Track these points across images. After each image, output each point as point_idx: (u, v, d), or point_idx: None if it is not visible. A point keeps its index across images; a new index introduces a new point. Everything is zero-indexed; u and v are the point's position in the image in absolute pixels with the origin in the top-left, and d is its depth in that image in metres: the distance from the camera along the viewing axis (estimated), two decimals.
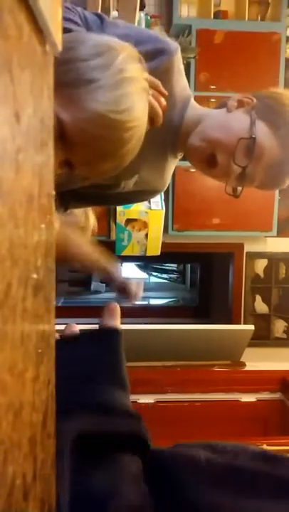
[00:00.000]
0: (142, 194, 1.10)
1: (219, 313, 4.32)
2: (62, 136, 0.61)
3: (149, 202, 2.47)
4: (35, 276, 0.29)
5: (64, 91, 0.60)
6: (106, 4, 1.94)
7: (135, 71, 0.64)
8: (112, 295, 5.71)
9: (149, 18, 3.33)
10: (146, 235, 2.56)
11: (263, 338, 3.67)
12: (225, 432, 2.46)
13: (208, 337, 2.86)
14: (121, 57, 0.62)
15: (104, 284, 5.79)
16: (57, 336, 0.52)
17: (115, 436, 0.43)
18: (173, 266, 5.96)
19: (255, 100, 0.90)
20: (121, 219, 2.56)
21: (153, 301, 5.72)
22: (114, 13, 1.98)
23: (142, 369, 2.59)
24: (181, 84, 0.92)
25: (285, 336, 3.79)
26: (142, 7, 3.05)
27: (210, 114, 0.94)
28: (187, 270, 5.87)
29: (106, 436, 0.43)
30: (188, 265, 5.80)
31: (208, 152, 0.89)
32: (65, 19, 0.75)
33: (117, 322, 0.54)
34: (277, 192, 3.37)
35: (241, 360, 3.00)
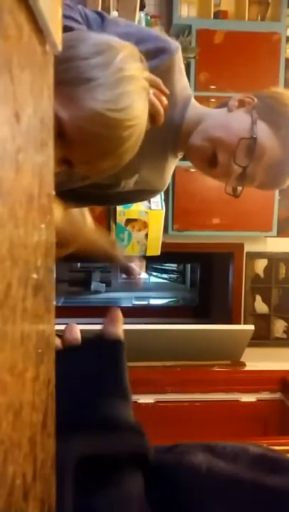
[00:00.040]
0: (142, 194, 1.10)
1: (219, 313, 4.33)
2: (61, 134, 0.61)
3: (149, 202, 2.47)
4: (35, 276, 0.29)
5: (64, 89, 0.60)
6: (106, 4, 1.94)
7: (135, 70, 0.64)
8: (111, 295, 5.72)
9: (149, 18, 3.33)
10: (146, 235, 2.56)
11: (263, 338, 3.67)
12: (225, 432, 2.46)
13: (208, 337, 2.86)
14: (121, 56, 0.63)
15: (104, 284, 5.79)
16: (58, 342, 0.51)
17: (119, 456, 0.42)
18: (173, 266, 5.96)
19: (256, 100, 0.90)
20: (121, 219, 2.56)
21: (153, 301, 5.73)
22: (114, 13, 1.98)
23: (142, 369, 2.59)
24: (182, 83, 0.92)
25: (285, 335, 3.80)
26: (142, 7, 3.05)
27: (211, 114, 0.94)
28: (187, 270, 5.88)
29: (109, 456, 0.42)
30: (188, 265, 5.80)
31: (210, 152, 0.89)
32: (66, 17, 0.75)
33: (119, 329, 0.53)
34: (277, 192, 3.37)
35: (241, 360, 3.00)
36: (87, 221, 0.95)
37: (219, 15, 3.49)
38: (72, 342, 0.53)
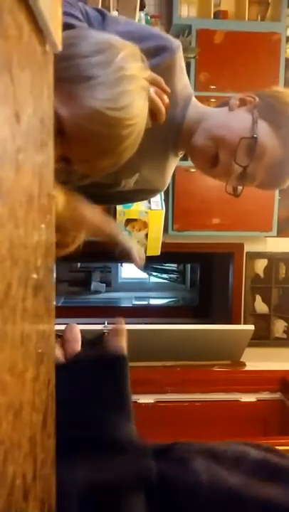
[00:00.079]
0: (143, 193, 1.10)
1: (219, 313, 4.33)
2: (61, 131, 0.61)
3: (149, 202, 2.46)
4: (35, 276, 0.29)
5: (64, 87, 0.60)
6: (106, 4, 1.94)
7: (135, 69, 0.64)
8: (111, 295, 5.72)
9: (149, 18, 3.33)
10: (146, 235, 2.56)
11: (263, 338, 3.67)
12: (225, 432, 2.46)
13: (208, 337, 2.86)
14: (122, 55, 0.63)
15: (104, 284, 5.79)
16: (58, 354, 0.50)
17: (125, 482, 0.42)
18: (173, 266, 5.96)
19: (257, 99, 0.90)
20: (121, 219, 2.55)
21: (153, 301, 5.73)
22: (114, 13, 1.98)
23: (142, 369, 2.59)
24: (183, 82, 0.92)
25: (285, 335, 3.79)
26: (142, 7, 3.05)
27: (212, 113, 0.93)
28: (187, 270, 5.88)
29: (116, 482, 0.42)
30: (188, 265, 5.80)
31: (213, 151, 0.88)
32: (66, 14, 0.75)
33: (122, 343, 0.53)
34: (277, 192, 3.37)
35: (241, 360, 3.00)
36: (88, 205, 0.95)
37: (219, 15, 3.49)
38: (72, 342, 0.53)
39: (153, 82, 0.71)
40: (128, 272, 5.99)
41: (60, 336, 0.54)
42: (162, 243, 2.69)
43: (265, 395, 2.66)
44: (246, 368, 2.87)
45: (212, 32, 3.36)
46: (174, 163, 1.03)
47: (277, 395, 2.66)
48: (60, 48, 0.33)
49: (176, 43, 0.86)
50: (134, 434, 0.48)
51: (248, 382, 2.68)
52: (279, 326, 3.80)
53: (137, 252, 0.95)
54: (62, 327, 0.54)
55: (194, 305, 5.40)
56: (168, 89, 0.76)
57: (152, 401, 2.53)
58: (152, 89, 0.71)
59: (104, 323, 2.47)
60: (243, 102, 0.91)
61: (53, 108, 0.34)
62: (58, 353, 0.51)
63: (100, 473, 0.41)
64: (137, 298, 5.63)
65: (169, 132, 0.93)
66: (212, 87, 3.35)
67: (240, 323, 3.69)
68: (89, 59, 0.62)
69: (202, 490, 0.40)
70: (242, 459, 0.44)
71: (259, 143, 0.86)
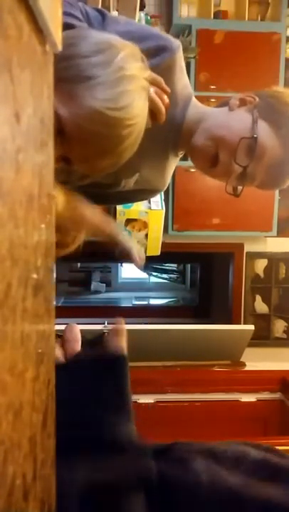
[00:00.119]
0: (143, 193, 1.10)
1: (219, 313, 4.33)
2: (61, 131, 0.61)
3: (149, 202, 2.46)
4: (35, 276, 0.29)
5: (64, 87, 0.60)
6: (106, 4, 1.94)
7: (135, 69, 0.64)
8: (111, 295, 5.72)
9: (149, 18, 3.33)
10: (146, 235, 2.55)
11: (263, 338, 3.67)
12: (225, 432, 2.46)
13: (208, 337, 2.86)
14: (122, 55, 0.63)
15: (104, 284, 5.79)
16: (58, 354, 0.50)
17: (126, 482, 0.42)
18: (173, 266, 5.96)
19: (257, 99, 0.90)
20: (121, 219, 2.55)
21: (153, 301, 5.73)
22: (114, 13, 1.98)
23: (142, 369, 2.59)
24: (183, 82, 0.92)
25: (285, 335, 3.79)
26: (142, 7, 3.05)
27: (212, 113, 0.93)
28: (187, 270, 5.88)
29: (116, 482, 0.42)
30: (188, 265, 5.80)
31: (213, 151, 0.88)
32: (66, 14, 0.75)
33: (122, 343, 0.52)
34: (277, 192, 3.37)
35: (241, 360, 3.00)
36: (88, 205, 0.95)
37: (219, 15, 3.49)
38: (72, 342, 0.53)
39: (153, 82, 0.71)
40: (128, 271, 5.99)
41: (60, 336, 0.54)
42: (162, 243, 2.68)
43: (265, 395, 2.66)
44: (246, 368, 2.87)
45: (212, 32, 3.36)
46: (174, 163, 1.03)
47: (277, 395, 2.66)
48: (60, 48, 0.33)
49: (176, 43, 0.86)
50: (134, 434, 0.48)
51: (248, 382, 2.68)
52: (279, 326, 3.80)
53: (137, 252, 0.95)
54: (62, 327, 0.54)
55: (194, 305, 5.40)
56: (168, 89, 0.76)
57: (152, 401, 2.53)
58: (152, 89, 0.71)
59: (104, 323, 2.47)
60: (243, 102, 0.91)
61: (53, 108, 0.34)
62: (58, 353, 0.51)
63: (100, 473, 0.41)
64: (137, 298, 5.64)
65: (169, 132, 0.93)
66: (212, 87, 3.35)
67: (240, 323, 3.69)
68: (89, 59, 0.62)
69: (202, 490, 0.40)
70: (242, 459, 0.44)
71: (259, 143, 0.86)
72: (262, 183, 0.92)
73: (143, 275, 5.93)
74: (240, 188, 0.93)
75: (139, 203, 2.43)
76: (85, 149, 0.64)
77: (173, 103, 0.85)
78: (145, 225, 2.56)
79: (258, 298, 3.78)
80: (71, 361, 0.51)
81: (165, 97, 0.75)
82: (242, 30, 3.41)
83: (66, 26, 0.70)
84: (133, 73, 0.63)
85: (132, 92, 0.63)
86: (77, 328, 0.54)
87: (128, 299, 5.60)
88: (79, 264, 5.67)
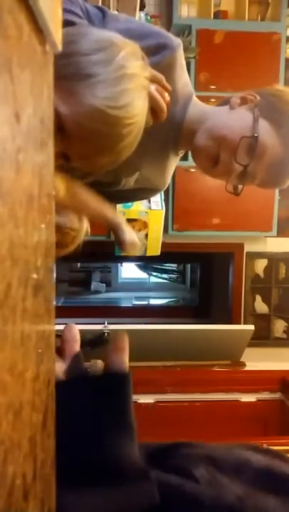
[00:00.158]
0: (143, 192, 1.10)
1: (219, 313, 4.32)
2: (61, 128, 0.62)
3: (149, 202, 2.46)
4: (35, 276, 0.29)
5: (64, 84, 0.60)
6: (106, 4, 1.94)
7: (136, 68, 0.64)
8: (111, 295, 5.72)
9: (149, 18, 3.33)
10: (147, 235, 2.55)
11: (263, 338, 3.67)
12: (225, 432, 2.46)
13: (208, 337, 2.86)
14: (123, 53, 0.63)
15: (104, 284, 5.79)
16: (58, 370, 0.48)
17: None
18: (173, 266, 5.96)
19: (258, 97, 0.90)
20: None
21: (153, 301, 5.73)
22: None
23: (142, 369, 2.59)
24: (183, 80, 0.92)
25: (285, 335, 3.79)
26: (142, 7, 3.05)
27: (213, 112, 0.93)
28: (187, 270, 5.88)
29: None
30: (188, 265, 5.80)
31: (215, 151, 0.88)
32: (66, 11, 0.75)
33: (124, 359, 0.50)
34: (277, 192, 3.37)
35: (241, 360, 3.00)
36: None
37: (219, 15, 3.49)
38: (70, 342, 0.52)
39: (154, 80, 0.71)
40: (128, 271, 5.99)
41: (59, 336, 0.54)
42: (162, 243, 2.69)
43: (265, 395, 2.66)
44: (246, 368, 2.88)
45: (212, 32, 3.36)
46: (174, 162, 1.03)
47: (277, 395, 2.66)
48: (60, 47, 0.33)
49: (177, 41, 0.86)
50: (135, 452, 0.46)
51: (248, 382, 2.68)
52: (279, 326, 3.80)
53: (132, 239, 0.94)
54: (62, 327, 0.54)
55: (194, 305, 5.40)
56: (169, 87, 0.76)
57: (152, 401, 2.53)
58: (153, 87, 0.71)
59: (104, 323, 2.47)
60: (244, 101, 0.91)
61: (53, 106, 0.34)
62: (58, 370, 0.48)
63: (102, 505, 0.40)
64: (137, 298, 5.63)
65: (169, 131, 0.93)
66: (212, 87, 3.35)
67: (240, 323, 3.69)
68: (89, 57, 0.62)
69: (205, 505, 0.40)
70: (244, 468, 0.44)
71: (260, 142, 0.86)
72: (262, 182, 0.92)
73: (143, 275, 5.93)
74: (240, 187, 0.93)
75: (139, 202, 2.43)
76: (85, 147, 0.64)
77: (173, 101, 0.85)
78: (145, 225, 2.56)
79: (258, 298, 3.78)
80: (72, 379, 0.48)
81: (166, 94, 0.75)
82: (242, 30, 3.41)
83: (66, 23, 0.70)
84: (134, 72, 0.63)
85: (132, 91, 0.63)
86: (76, 328, 0.54)
87: (128, 299, 5.60)
88: (79, 264, 5.67)
